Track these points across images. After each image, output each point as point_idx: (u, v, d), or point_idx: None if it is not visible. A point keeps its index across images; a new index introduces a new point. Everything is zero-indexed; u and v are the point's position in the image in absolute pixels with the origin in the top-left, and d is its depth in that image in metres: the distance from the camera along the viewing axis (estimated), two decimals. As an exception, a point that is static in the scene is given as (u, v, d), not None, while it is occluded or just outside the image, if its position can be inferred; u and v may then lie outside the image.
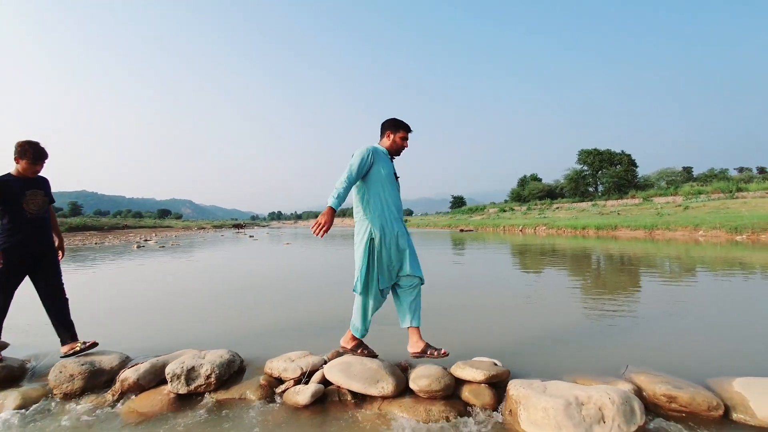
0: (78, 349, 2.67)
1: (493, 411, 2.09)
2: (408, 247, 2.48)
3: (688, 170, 54.67)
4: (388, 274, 2.46)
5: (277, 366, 2.48)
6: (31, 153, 2.61)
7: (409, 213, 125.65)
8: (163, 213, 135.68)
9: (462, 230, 33.42)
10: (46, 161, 2.73)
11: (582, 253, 11.02)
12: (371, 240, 2.39)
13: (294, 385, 2.35)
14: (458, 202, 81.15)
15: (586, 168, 47.51)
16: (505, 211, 49.59)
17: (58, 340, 2.76)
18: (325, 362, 2.50)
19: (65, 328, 2.74)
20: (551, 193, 52.77)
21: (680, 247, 12.46)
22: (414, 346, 2.46)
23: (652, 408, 2.06)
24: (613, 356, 2.76)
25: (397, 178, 2.57)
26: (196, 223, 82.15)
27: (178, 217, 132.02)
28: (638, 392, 2.10)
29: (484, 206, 61.14)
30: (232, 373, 2.54)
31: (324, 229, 2.17)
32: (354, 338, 2.58)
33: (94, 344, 2.73)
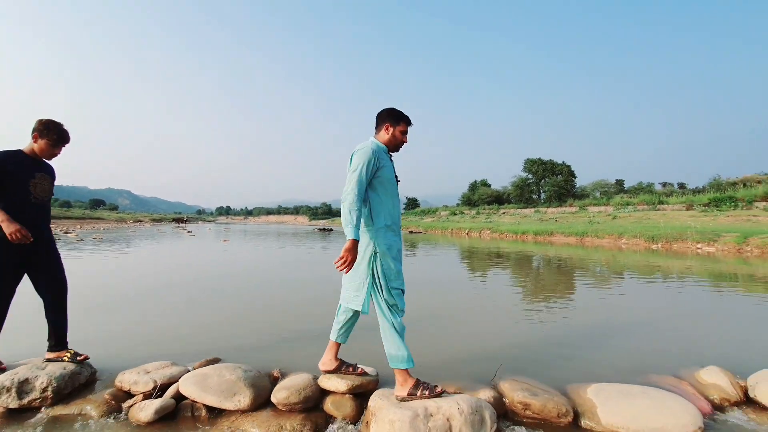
0: (66, 359, 2.35)
1: (353, 423, 1.99)
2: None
3: (620, 183, 59.32)
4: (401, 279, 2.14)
5: (128, 378, 2.23)
6: (55, 133, 2.36)
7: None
8: (96, 203, 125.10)
9: (411, 231, 33.89)
10: (65, 147, 2.48)
11: (510, 257, 11.49)
12: (375, 254, 2.06)
13: (143, 399, 2.11)
14: (412, 204, 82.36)
15: (530, 176, 50.03)
16: (455, 214, 51.13)
17: None
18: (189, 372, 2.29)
19: (63, 332, 2.46)
20: (499, 199, 55.03)
21: (602, 253, 13.39)
22: (328, 363, 2.25)
23: (511, 415, 2.06)
24: (496, 363, 2.79)
25: (398, 180, 2.21)
26: (132, 215, 76.35)
27: (113, 208, 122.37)
28: (499, 400, 2.10)
29: (436, 209, 62.57)
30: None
31: (349, 265, 1.89)
32: (408, 376, 2.06)
33: (86, 358, 2.40)
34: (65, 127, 2.42)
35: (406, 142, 2.22)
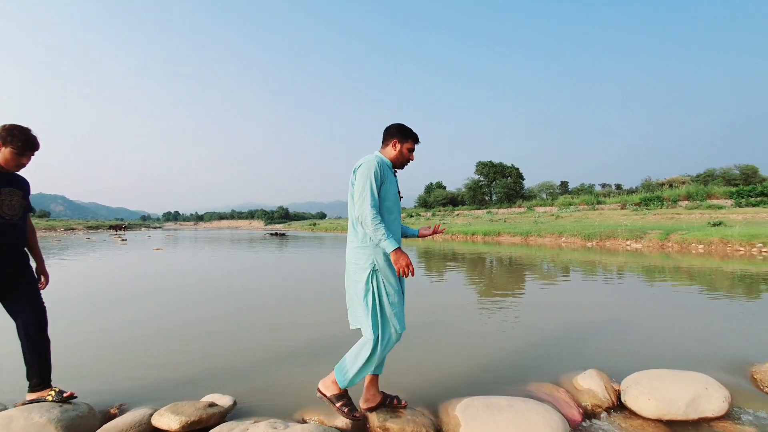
0: (51, 399, 2.03)
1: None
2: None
3: (564, 184, 62.85)
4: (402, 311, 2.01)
5: None
6: (20, 140, 2.02)
7: (322, 216, 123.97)
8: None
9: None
10: (35, 155, 2.13)
11: (439, 257, 11.62)
12: (375, 271, 1.94)
13: None
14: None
15: (482, 178, 51.68)
16: (411, 216, 51.65)
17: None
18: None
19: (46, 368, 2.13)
20: (454, 201, 56.34)
21: (540, 251, 13.92)
22: (371, 399, 2.09)
23: (375, 441, 1.88)
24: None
25: (400, 196, 2.15)
26: (65, 223, 69.79)
27: (44, 215, 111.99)
28: (362, 426, 1.90)
29: (393, 211, 62.76)
30: None
31: (412, 268, 1.88)
32: (336, 386, 2.00)
33: (72, 396, 2.07)
34: (33, 132, 2.08)
35: (412, 160, 2.18)
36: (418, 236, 2.31)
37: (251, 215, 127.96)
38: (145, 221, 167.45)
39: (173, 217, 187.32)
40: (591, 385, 2.27)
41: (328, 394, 1.98)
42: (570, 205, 36.67)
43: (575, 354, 3.05)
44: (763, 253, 12.18)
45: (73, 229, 50.33)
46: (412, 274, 1.86)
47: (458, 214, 44.87)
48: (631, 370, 2.44)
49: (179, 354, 3.12)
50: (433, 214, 48.08)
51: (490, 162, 50.79)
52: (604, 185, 57.88)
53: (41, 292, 2.18)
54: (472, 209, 47.35)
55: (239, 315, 4.48)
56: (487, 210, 43.71)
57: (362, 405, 2.08)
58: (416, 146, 2.16)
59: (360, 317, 1.97)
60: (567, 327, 3.87)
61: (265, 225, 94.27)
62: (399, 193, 2.13)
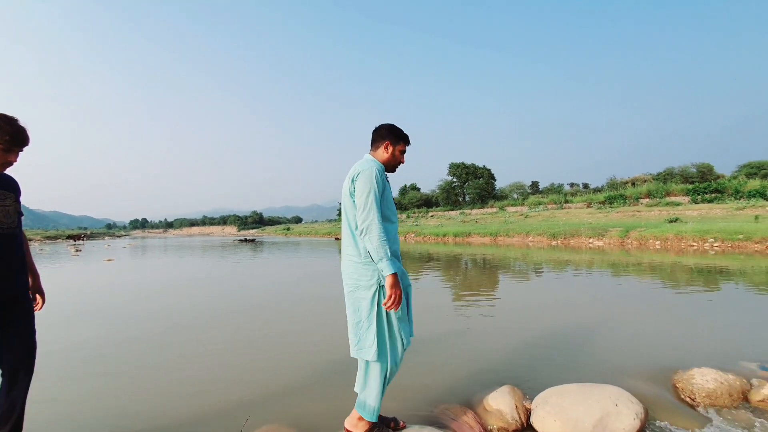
0: None
1: None
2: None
3: (535, 184, 64.38)
4: (409, 325, 1.91)
5: None
6: (7, 132, 1.65)
7: (299, 221, 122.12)
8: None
9: (336, 238, 33.32)
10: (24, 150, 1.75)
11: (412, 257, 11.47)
12: (381, 287, 1.79)
13: None
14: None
15: (455, 180, 52.17)
16: (386, 218, 51.57)
17: None
18: None
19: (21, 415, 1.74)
20: (428, 202, 56.63)
21: (506, 251, 13.96)
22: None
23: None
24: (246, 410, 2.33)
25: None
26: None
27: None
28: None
29: (368, 214, 62.53)
30: None
31: (399, 301, 1.72)
32: (365, 422, 1.86)
33: None
34: (21, 123, 1.70)
35: (403, 162, 2.05)
36: None
37: (224, 221, 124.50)
38: (110, 230, 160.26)
39: (141, 224, 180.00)
40: (501, 405, 2.08)
41: None
42: (539, 204, 37.43)
43: (497, 368, 2.85)
44: (715, 248, 12.63)
45: (30, 240, 47.57)
46: (396, 308, 1.72)
47: (432, 216, 45.05)
48: (548, 384, 2.27)
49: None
50: (408, 216, 48.15)
51: (463, 163, 51.38)
52: (572, 185, 59.57)
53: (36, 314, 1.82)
54: (445, 210, 47.67)
55: (124, 346, 3.65)
56: (461, 211, 44.08)
57: (347, 426, 1.90)
58: (407, 148, 2.05)
59: (363, 339, 1.81)
60: (497, 336, 3.70)
61: (239, 231, 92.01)
62: (393, 200, 2.02)
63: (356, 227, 1.81)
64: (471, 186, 50.45)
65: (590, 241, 16.85)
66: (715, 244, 12.88)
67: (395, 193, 64.46)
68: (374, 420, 1.83)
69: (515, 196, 49.29)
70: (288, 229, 68.27)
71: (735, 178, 29.66)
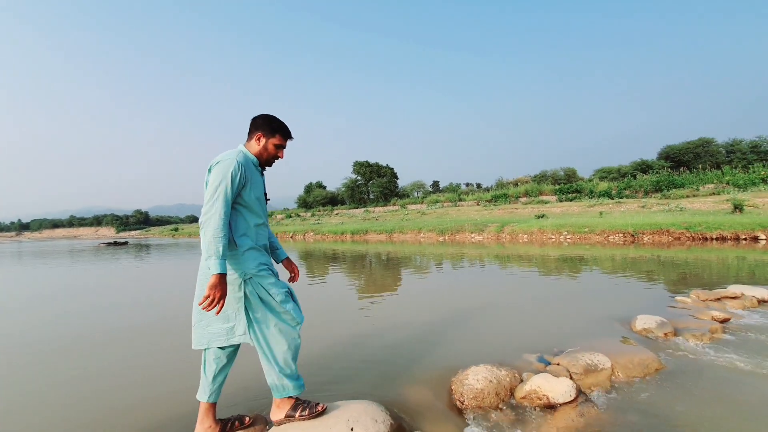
0: None
1: None
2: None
3: (436, 183, 68.28)
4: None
5: None
6: None
7: (194, 220, 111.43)
8: None
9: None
10: None
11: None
12: (246, 281, 1.73)
13: None
14: (247, 208, 76.95)
15: (359, 178, 52.52)
16: (290, 216, 49.71)
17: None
18: None
19: None
20: (333, 200, 56.11)
21: (396, 247, 14.15)
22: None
23: None
24: None
25: (267, 199, 1.92)
26: None
27: None
28: None
29: (272, 212, 59.74)
30: None
31: (218, 303, 1.58)
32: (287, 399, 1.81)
33: None
34: None
35: (281, 158, 1.93)
36: (278, 262, 2.07)
37: (98, 222, 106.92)
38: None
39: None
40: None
41: (283, 416, 1.79)
42: (437, 202, 39.57)
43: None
44: (568, 240, 14.40)
45: None
46: (210, 309, 1.57)
47: (337, 214, 44.68)
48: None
49: None
50: (313, 214, 47.07)
51: (367, 162, 51.96)
52: (467, 184, 64.45)
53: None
54: (351, 208, 47.72)
55: None
56: (365, 209, 44.50)
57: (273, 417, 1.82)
58: (289, 143, 1.91)
59: (230, 329, 1.75)
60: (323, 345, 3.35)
61: (117, 232, 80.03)
62: (266, 195, 1.90)
63: None
64: (375, 184, 51.31)
65: (472, 236, 18.07)
66: (568, 237, 14.71)
67: (300, 190, 62.67)
68: (295, 394, 1.80)
69: (416, 194, 51.51)
70: (176, 229, 61.58)
71: (591, 180, 34.88)
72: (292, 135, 1.91)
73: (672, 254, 9.21)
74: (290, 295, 1.84)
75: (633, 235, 13.35)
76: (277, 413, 1.80)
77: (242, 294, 1.72)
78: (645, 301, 4.42)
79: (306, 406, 1.79)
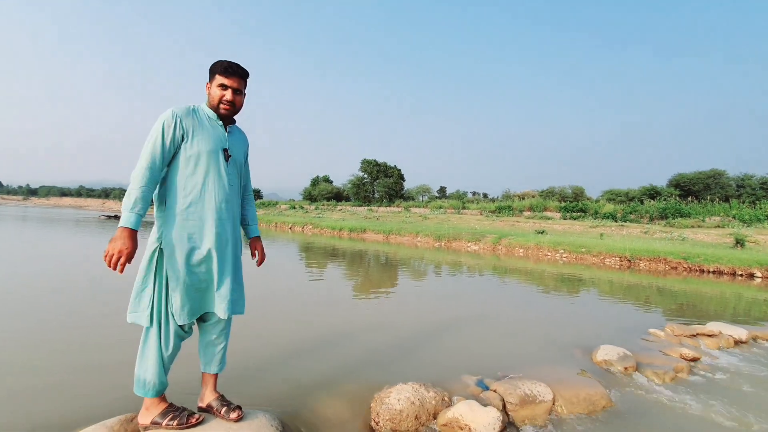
0: None
1: None
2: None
3: (443, 189, 67.94)
4: (193, 301, 1.63)
5: None
6: None
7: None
8: None
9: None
10: None
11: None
12: (160, 250, 1.59)
13: None
14: (253, 196, 77.39)
15: (366, 176, 52.39)
16: (294, 208, 49.73)
17: None
18: None
19: None
20: (338, 196, 56.07)
21: (388, 248, 14.00)
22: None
23: None
24: None
25: (228, 155, 1.69)
26: None
27: None
28: None
29: (276, 202, 59.83)
30: None
31: (123, 262, 1.45)
32: (158, 401, 1.64)
33: None
34: None
35: (229, 100, 1.66)
36: (248, 238, 1.96)
37: (106, 194, 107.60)
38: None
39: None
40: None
41: (149, 421, 1.63)
42: (440, 208, 39.34)
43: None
44: (564, 258, 14.15)
45: None
46: (113, 268, 1.44)
47: (340, 209, 44.59)
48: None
49: None
50: (316, 208, 47.05)
51: (375, 161, 51.85)
52: (474, 193, 64.05)
53: None
54: (355, 205, 47.59)
55: None
56: (369, 207, 44.36)
57: (140, 420, 1.67)
58: (243, 81, 1.68)
59: (133, 304, 1.60)
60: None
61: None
62: (226, 152, 1.68)
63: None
64: (381, 184, 51.17)
65: (468, 244, 17.85)
66: (564, 255, 14.44)
67: (306, 183, 62.65)
68: (155, 394, 1.61)
69: (421, 198, 51.29)
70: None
71: (597, 201, 34.45)
72: (235, 69, 1.65)
73: (665, 283, 8.96)
74: (191, 285, 1.62)
75: (629, 260, 13.06)
76: (144, 416, 1.65)
77: (152, 265, 1.58)
78: (617, 331, 4.22)
79: (177, 415, 1.62)
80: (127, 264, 1.46)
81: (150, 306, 1.57)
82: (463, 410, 1.93)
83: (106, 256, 1.43)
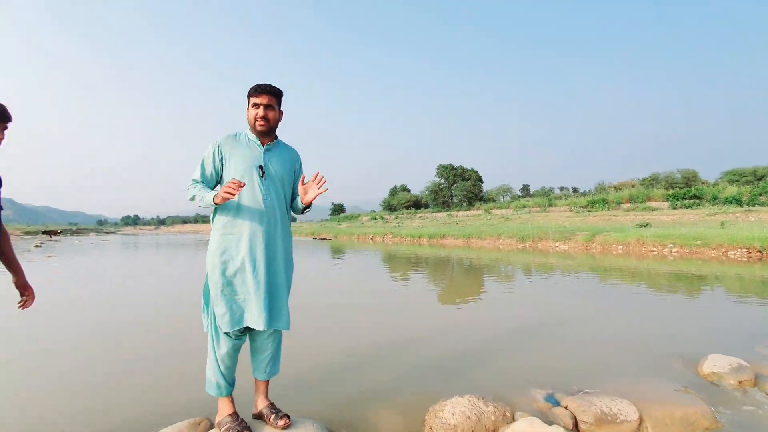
0: None
1: None
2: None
3: (526, 187, 64.15)
4: (233, 311, 1.74)
5: None
6: None
7: (293, 220, 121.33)
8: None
9: (314, 238, 33.00)
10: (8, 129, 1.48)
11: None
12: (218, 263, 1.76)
13: None
14: (338, 210, 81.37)
15: (443, 181, 51.84)
16: (375, 219, 51.18)
17: None
18: None
19: None
20: (417, 204, 56.32)
21: (469, 253, 13.60)
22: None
23: None
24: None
25: (262, 171, 1.78)
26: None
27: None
28: None
29: (359, 215, 62.19)
30: None
31: (235, 183, 1.60)
32: (224, 404, 1.82)
33: None
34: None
35: (263, 116, 1.75)
36: (303, 201, 1.86)
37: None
38: (101, 225, 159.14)
39: (133, 221, 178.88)
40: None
41: (217, 421, 1.82)
42: (524, 207, 37.12)
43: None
44: (674, 254, 12.29)
45: (10, 234, 46.80)
46: (238, 187, 1.59)
47: (419, 217, 44.71)
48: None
49: None
50: (396, 217, 47.84)
51: (450, 165, 51.13)
52: (562, 188, 59.36)
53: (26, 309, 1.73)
54: (434, 212, 47.34)
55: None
56: (448, 213, 43.76)
57: (218, 420, 1.84)
58: (274, 98, 1.77)
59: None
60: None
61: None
62: (261, 168, 1.77)
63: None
64: (458, 188, 50.19)
65: (556, 244, 16.52)
66: (674, 250, 12.55)
67: (384, 193, 64.03)
68: (212, 393, 1.79)
69: (502, 198, 49.04)
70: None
71: (716, 184, 29.44)
72: (263, 87, 1.75)
73: (814, 278, 7.25)
74: (228, 296, 1.73)
75: (760, 251, 10.83)
76: (218, 415, 1.83)
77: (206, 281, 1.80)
78: (735, 337, 3.52)
79: (232, 426, 1.73)
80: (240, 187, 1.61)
81: (205, 313, 1.81)
82: (523, 428, 1.78)
83: (227, 191, 1.59)
